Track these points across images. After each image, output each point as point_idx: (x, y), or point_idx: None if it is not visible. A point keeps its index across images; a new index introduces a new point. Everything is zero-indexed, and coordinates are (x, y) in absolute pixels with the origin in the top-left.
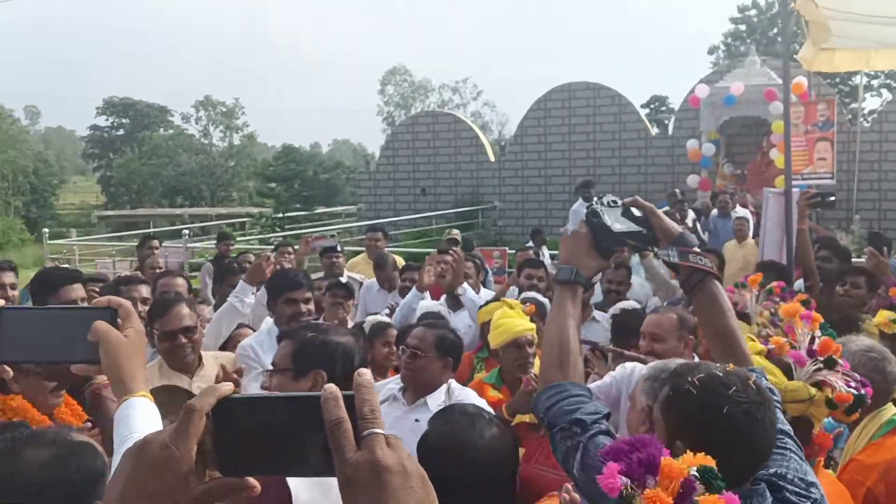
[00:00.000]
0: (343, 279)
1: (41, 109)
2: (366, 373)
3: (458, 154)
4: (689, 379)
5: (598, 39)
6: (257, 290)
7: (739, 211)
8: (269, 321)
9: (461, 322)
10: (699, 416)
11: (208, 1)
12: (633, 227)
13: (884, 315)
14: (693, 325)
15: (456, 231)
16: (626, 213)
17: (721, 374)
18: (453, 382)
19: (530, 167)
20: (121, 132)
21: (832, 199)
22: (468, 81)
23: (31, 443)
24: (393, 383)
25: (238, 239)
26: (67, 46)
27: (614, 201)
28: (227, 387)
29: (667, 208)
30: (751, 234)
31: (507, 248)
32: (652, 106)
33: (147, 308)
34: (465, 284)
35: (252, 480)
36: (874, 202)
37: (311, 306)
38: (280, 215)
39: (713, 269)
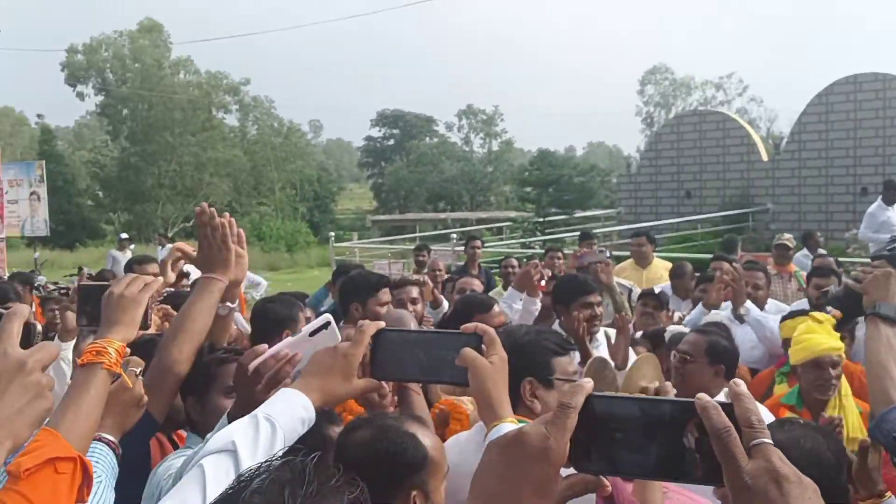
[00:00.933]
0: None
1: (323, 123)
2: (741, 383)
3: (726, 154)
4: None
5: (881, 24)
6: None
7: None
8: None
9: (745, 336)
10: None
11: (466, 14)
12: None
13: None
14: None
15: (787, 235)
16: None
17: None
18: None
19: (809, 166)
20: (391, 142)
21: None
22: (733, 77)
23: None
24: None
25: (498, 244)
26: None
27: None
28: (590, 384)
29: None
30: None
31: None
32: None
33: (416, 307)
34: (748, 303)
35: (605, 480)
36: None
37: (601, 310)
38: (541, 220)
39: None
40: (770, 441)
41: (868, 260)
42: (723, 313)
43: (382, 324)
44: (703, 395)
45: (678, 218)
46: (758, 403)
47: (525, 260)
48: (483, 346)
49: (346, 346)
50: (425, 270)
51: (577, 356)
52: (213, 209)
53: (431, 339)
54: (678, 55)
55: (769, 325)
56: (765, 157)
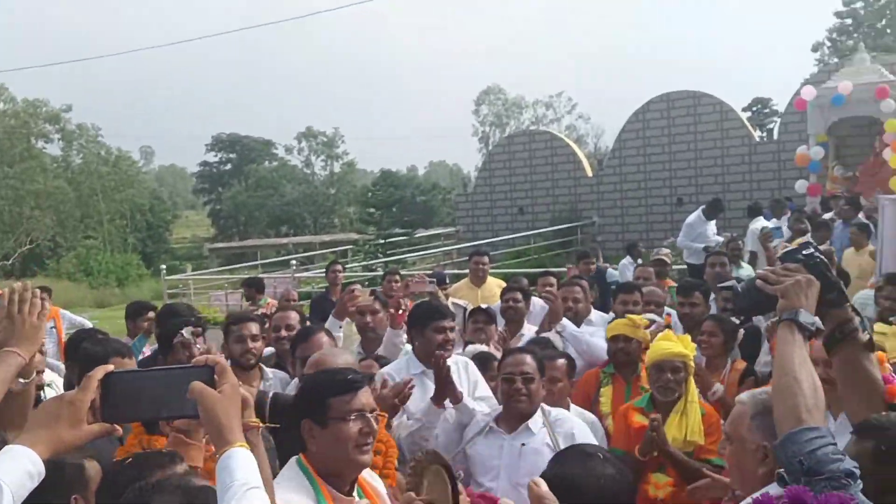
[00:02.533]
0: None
1: (155, 149)
2: (542, 482)
3: (554, 171)
4: None
5: (695, 44)
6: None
7: (859, 217)
8: (407, 349)
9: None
10: None
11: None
12: (838, 280)
13: None
14: None
15: (665, 251)
16: (823, 264)
17: None
18: (544, 404)
19: (629, 180)
20: (228, 167)
21: None
22: (562, 95)
23: (158, 491)
24: (480, 416)
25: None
26: (179, 85)
27: (823, 252)
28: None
29: (775, 220)
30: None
31: (608, 265)
32: (754, 109)
33: (256, 344)
34: (564, 320)
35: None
36: None
37: (454, 335)
38: (381, 241)
39: (871, 344)
40: None
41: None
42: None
43: (110, 367)
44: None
45: (513, 234)
46: (580, 412)
47: (367, 283)
48: (215, 376)
49: (71, 394)
50: (261, 302)
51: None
52: (24, 284)
53: (164, 376)
54: (510, 76)
55: (584, 339)
56: (589, 173)
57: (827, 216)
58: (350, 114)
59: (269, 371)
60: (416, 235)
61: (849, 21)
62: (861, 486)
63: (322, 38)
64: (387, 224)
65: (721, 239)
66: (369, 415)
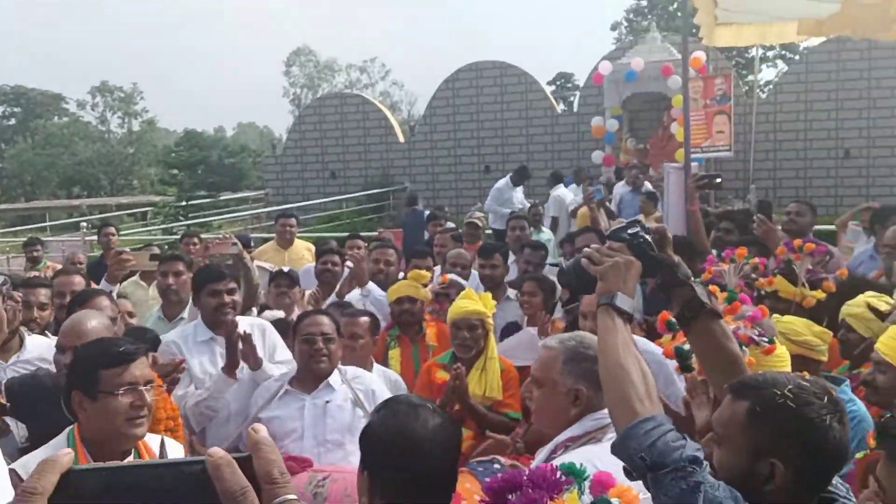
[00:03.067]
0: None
1: None
2: (261, 428)
3: (367, 136)
4: (779, 392)
5: (504, 17)
6: None
7: (646, 186)
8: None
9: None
10: (802, 428)
11: None
12: (668, 259)
13: (782, 283)
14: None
15: (478, 214)
16: (656, 243)
17: (809, 385)
18: (340, 364)
19: (440, 147)
20: (12, 122)
21: (719, 180)
22: (376, 61)
23: None
24: (272, 380)
25: (140, 230)
26: None
27: (649, 231)
28: (67, 458)
29: (574, 186)
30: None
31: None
32: (558, 83)
33: (44, 312)
34: (370, 284)
35: None
36: (770, 171)
37: (237, 297)
38: (183, 203)
39: (720, 313)
40: (295, 497)
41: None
42: None
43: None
44: (215, 451)
45: (324, 198)
46: (383, 370)
47: (166, 247)
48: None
49: None
50: (40, 266)
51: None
52: None
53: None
54: (322, 38)
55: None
56: (401, 139)
57: (618, 185)
58: (150, 69)
59: (34, 340)
60: (223, 198)
61: (644, 3)
62: (707, 467)
63: None
64: (190, 186)
65: (527, 205)
66: (142, 387)
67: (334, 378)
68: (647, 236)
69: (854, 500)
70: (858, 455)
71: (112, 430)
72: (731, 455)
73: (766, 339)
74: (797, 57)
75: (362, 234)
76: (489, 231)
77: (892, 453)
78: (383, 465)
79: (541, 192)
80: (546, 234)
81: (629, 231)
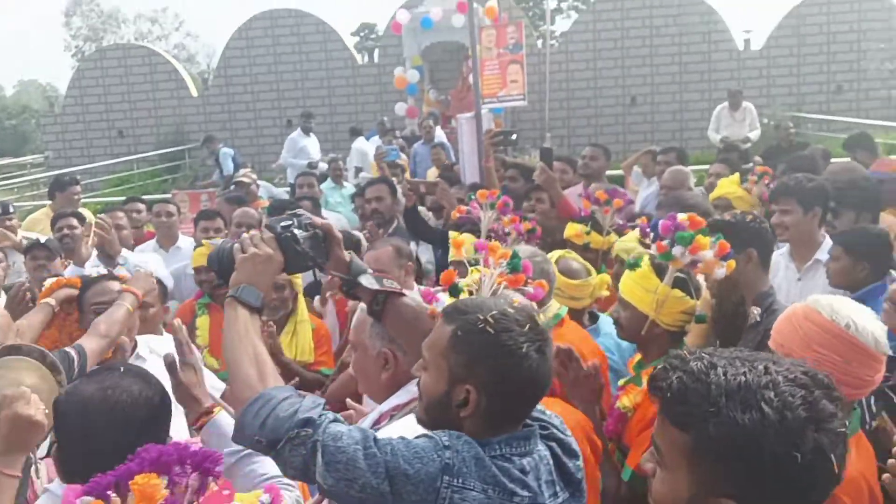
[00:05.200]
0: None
1: None
2: None
3: (156, 90)
4: (481, 317)
5: None
6: None
7: (439, 137)
8: None
9: None
10: (496, 355)
11: None
12: (321, 255)
13: (574, 228)
14: (409, 252)
15: (246, 170)
16: (314, 238)
17: (513, 311)
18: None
19: (237, 101)
20: None
21: (514, 137)
22: (168, 11)
23: None
24: None
25: None
26: None
27: (309, 225)
28: None
29: (377, 138)
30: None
31: (214, 191)
32: (362, 34)
33: None
34: (125, 252)
35: None
36: (564, 120)
37: None
38: None
39: (401, 289)
40: None
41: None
42: None
43: None
44: None
45: (112, 159)
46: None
47: None
48: None
49: None
50: None
51: None
52: None
53: None
54: None
55: (149, 268)
56: (195, 93)
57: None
58: None
59: None
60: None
61: None
62: (327, 420)
63: None
64: None
65: (320, 156)
66: None
67: (142, 349)
68: (298, 231)
69: (570, 433)
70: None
71: None
72: (432, 379)
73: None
74: (586, 7)
75: (155, 196)
76: (286, 188)
77: (663, 408)
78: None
79: (345, 146)
80: (349, 189)
81: (282, 223)
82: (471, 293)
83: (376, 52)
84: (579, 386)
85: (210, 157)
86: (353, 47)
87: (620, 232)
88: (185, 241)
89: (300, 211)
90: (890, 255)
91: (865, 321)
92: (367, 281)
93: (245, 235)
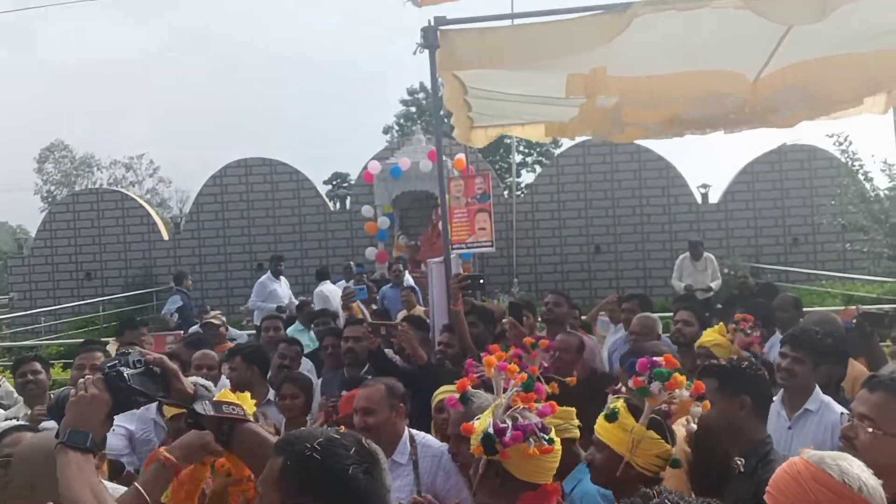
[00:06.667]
0: None
1: None
2: None
3: (126, 234)
4: (308, 445)
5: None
6: None
7: (408, 281)
8: None
9: None
10: (324, 479)
11: None
12: (152, 389)
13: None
14: (402, 392)
15: (215, 312)
16: (148, 373)
17: (339, 437)
18: None
19: (208, 245)
20: None
21: (482, 281)
22: (143, 157)
23: None
24: None
25: None
26: None
27: (139, 361)
28: None
29: (344, 282)
30: (420, 301)
31: (181, 332)
32: (334, 183)
33: None
34: None
35: None
36: (531, 266)
37: None
38: None
39: (245, 416)
40: None
41: None
42: None
43: None
44: None
45: (79, 300)
46: None
47: None
48: None
49: None
50: None
51: None
52: None
53: None
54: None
55: None
56: (166, 237)
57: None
58: None
59: None
60: None
61: (413, 108)
62: None
63: None
64: None
65: (294, 301)
66: None
67: None
68: (125, 369)
69: None
70: None
71: None
72: None
73: (546, 437)
74: (550, 161)
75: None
76: (253, 331)
77: None
78: None
79: (315, 289)
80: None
81: (109, 363)
82: (493, 411)
83: (348, 199)
84: None
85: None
86: (325, 195)
87: (548, 380)
88: None
89: (130, 350)
90: None
91: (874, 480)
92: (202, 407)
93: (83, 380)
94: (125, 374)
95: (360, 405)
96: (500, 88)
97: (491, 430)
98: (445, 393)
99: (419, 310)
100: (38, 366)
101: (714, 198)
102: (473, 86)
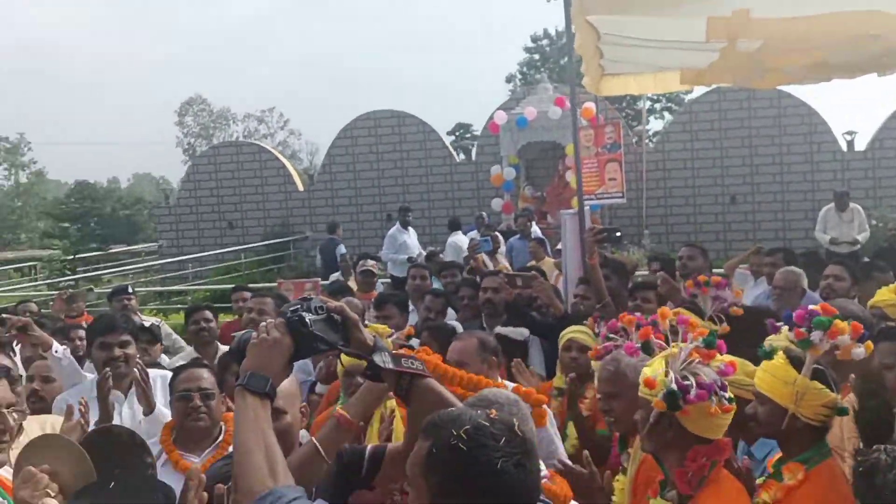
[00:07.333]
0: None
1: None
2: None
3: (264, 185)
4: (454, 432)
5: (402, 70)
6: None
7: (535, 233)
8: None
9: None
10: (471, 474)
11: None
12: (333, 338)
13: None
14: (494, 345)
15: (371, 262)
16: (329, 321)
17: (488, 424)
18: None
19: (340, 196)
20: None
21: (618, 234)
22: (274, 111)
23: None
24: None
25: (27, 285)
26: None
27: (320, 308)
28: None
29: (475, 233)
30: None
31: (318, 280)
32: (457, 133)
33: None
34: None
35: None
36: (662, 217)
37: (130, 351)
38: (70, 257)
39: (425, 371)
40: None
41: None
42: None
43: None
44: None
45: (221, 249)
46: None
47: (51, 303)
48: None
49: None
50: None
51: None
52: None
53: None
54: (215, 88)
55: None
56: (301, 188)
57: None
58: (37, 119)
59: None
60: (114, 251)
61: (536, 56)
62: None
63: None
64: (78, 239)
65: (422, 251)
66: (4, 410)
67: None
68: (307, 314)
69: None
70: None
71: None
72: (415, 498)
73: (726, 396)
74: (681, 108)
75: (262, 284)
76: (387, 280)
77: None
78: None
79: (442, 240)
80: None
81: (292, 307)
82: (667, 361)
83: (473, 150)
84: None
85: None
86: (449, 145)
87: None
88: None
89: (311, 296)
90: None
91: None
92: (382, 360)
93: (263, 325)
94: (307, 320)
95: (452, 358)
96: (635, 34)
97: (675, 387)
98: (572, 333)
99: (548, 262)
100: (208, 314)
101: (861, 145)
102: (607, 32)
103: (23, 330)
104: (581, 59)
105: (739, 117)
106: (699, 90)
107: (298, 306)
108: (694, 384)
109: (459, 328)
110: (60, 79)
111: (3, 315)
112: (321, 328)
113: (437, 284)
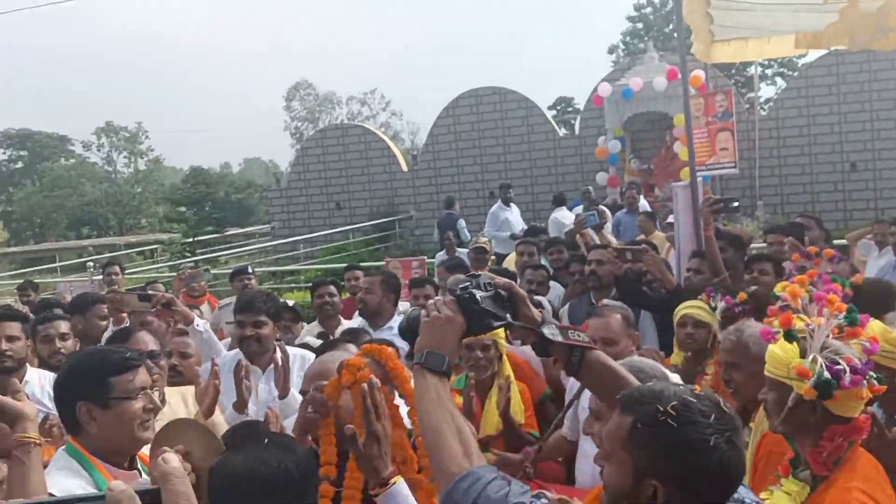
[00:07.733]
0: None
1: None
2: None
3: (370, 166)
4: (661, 408)
5: (499, 44)
6: None
7: (643, 206)
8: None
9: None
10: (682, 450)
11: (97, 26)
12: (502, 314)
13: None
14: (633, 320)
15: (484, 238)
16: (497, 297)
17: (695, 400)
18: None
19: (443, 175)
20: (20, 164)
21: (736, 204)
22: (375, 92)
23: None
24: None
25: (149, 268)
26: None
27: (489, 284)
28: None
29: (579, 208)
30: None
31: (425, 258)
32: (559, 107)
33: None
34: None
35: None
36: (776, 187)
37: (265, 331)
38: (189, 240)
39: (593, 344)
40: None
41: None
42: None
43: None
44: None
45: (330, 229)
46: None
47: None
48: None
49: None
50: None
51: None
52: None
53: None
54: (320, 72)
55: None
56: (405, 168)
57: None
58: (154, 108)
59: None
60: (229, 233)
61: (640, 25)
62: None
63: (120, 26)
64: (195, 222)
65: (523, 226)
66: (150, 390)
67: None
68: (477, 291)
69: None
70: None
71: (125, 436)
72: (615, 472)
73: (875, 377)
74: (796, 73)
75: (369, 263)
76: (493, 256)
77: None
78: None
79: (545, 216)
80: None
81: (461, 285)
82: (804, 338)
83: (576, 123)
84: None
85: (419, 224)
86: (552, 119)
87: None
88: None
89: (479, 273)
90: None
91: None
92: (551, 332)
93: (431, 302)
94: (478, 297)
95: (599, 335)
96: None
97: (828, 375)
98: (687, 308)
99: (658, 235)
100: (332, 289)
101: None
102: None
103: (167, 305)
104: (689, 26)
105: (859, 80)
106: (813, 53)
107: (468, 283)
108: (847, 369)
109: (545, 303)
110: (175, 70)
111: (149, 291)
112: (490, 304)
113: (543, 261)
